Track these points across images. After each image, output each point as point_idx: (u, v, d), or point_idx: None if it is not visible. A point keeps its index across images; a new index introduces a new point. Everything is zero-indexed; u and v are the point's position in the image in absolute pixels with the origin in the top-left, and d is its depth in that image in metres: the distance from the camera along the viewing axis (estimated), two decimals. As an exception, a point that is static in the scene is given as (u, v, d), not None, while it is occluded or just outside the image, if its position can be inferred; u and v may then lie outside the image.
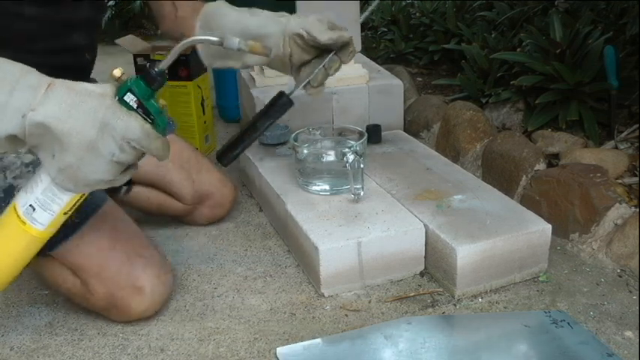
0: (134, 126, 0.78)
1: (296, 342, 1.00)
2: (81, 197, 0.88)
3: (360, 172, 1.20)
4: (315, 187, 1.28)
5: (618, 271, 1.16)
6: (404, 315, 1.07)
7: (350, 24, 1.94)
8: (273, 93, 1.62)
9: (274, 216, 1.35)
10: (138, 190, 1.33)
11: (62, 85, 0.79)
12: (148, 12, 3.67)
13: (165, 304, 1.10)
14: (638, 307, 1.06)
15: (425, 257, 1.17)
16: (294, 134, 1.31)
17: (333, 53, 1.05)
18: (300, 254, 1.20)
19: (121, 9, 3.70)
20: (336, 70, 1.06)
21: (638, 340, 0.98)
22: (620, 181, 1.30)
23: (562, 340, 0.97)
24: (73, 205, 0.88)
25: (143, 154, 0.82)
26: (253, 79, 1.70)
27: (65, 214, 0.88)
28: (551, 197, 1.28)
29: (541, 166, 1.37)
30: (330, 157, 1.27)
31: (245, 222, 1.42)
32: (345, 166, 1.20)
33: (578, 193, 1.22)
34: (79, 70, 1.17)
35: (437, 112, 1.76)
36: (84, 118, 0.77)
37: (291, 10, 1.93)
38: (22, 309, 1.13)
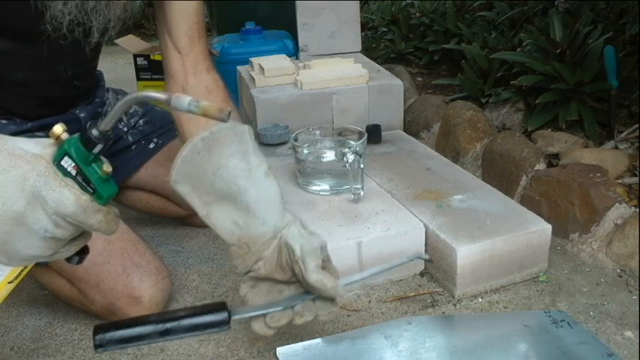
0: (68, 199, 0.66)
1: (296, 342, 1.00)
2: (26, 266, 0.75)
3: (360, 172, 1.20)
4: (315, 187, 1.28)
5: (618, 271, 1.16)
6: (404, 315, 1.07)
7: (350, 24, 1.96)
8: (274, 93, 1.64)
9: (274, 216, 1.35)
10: (139, 195, 1.33)
11: None
12: (150, 13, 3.66)
13: (165, 309, 1.10)
14: (638, 307, 1.06)
15: (425, 257, 1.17)
16: (294, 134, 1.31)
17: (311, 298, 0.83)
18: (300, 254, 1.20)
19: (121, 9, 3.70)
20: (304, 320, 0.84)
21: (638, 340, 0.98)
22: (620, 181, 1.30)
23: (562, 340, 0.97)
24: (19, 274, 0.75)
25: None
26: (253, 79, 1.70)
27: (11, 282, 0.75)
28: (551, 197, 1.28)
29: (541, 166, 1.37)
30: (330, 157, 1.27)
31: (245, 222, 1.42)
32: (345, 166, 1.20)
33: (578, 193, 1.22)
34: (66, 99, 1.13)
35: (437, 112, 1.76)
36: (11, 186, 0.65)
37: (291, 9, 1.94)
38: (22, 309, 1.13)
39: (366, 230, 1.13)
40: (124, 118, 1.28)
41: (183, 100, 0.65)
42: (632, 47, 1.64)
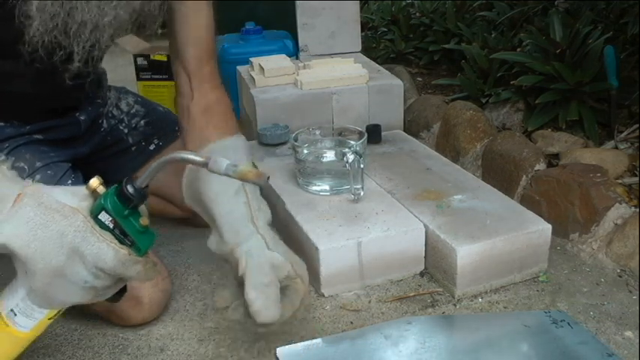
0: (106, 254, 0.68)
1: (296, 342, 1.00)
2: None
3: (360, 172, 1.20)
4: (315, 187, 1.28)
5: (618, 271, 1.16)
6: (404, 315, 1.07)
7: (350, 24, 1.96)
8: (274, 93, 1.64)
9: (274, 216, 1.35)
10: None
11: (32, 197, 0.69)
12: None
13: (165, 309, 1.10)
14: (638, 307, 1.06)
15: (425, 257, 1.17)
16: (294, 134, 1.31)
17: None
18: (300, 254, 1.20)
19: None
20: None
21: (638, 340, 0.98)
22: (620, 181, 1.30)
23: (562, 340, 0.97)
24: (58, 312, 0.78)
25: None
26: (253, 79, 1.70)
27: (50, 319, 0.78)
28: (551, 197, 1.28)
29: (541, 166, 1.37)
30: (330, 157, 1.27)
31: (245, 222, 1.42)
32: (345, 166, 1.20)
33: (578, 193, 1.22)
34: (68, 107, 1.13)
35: (437, 112, 1.76)
36: (50, 241, 0.67)
37: (291, 9, 1.94)
38: (22, 309, 1.13)
39: (366, 230, 1.13)
40: (126, 119, 1.28)
41: (221, 163, 0.69)
42: (632, 47, 1.64)
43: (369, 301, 1.11)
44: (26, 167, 1.02)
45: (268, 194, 1.36)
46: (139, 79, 2.05)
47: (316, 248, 1.09)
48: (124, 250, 0.70)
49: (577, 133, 1.52)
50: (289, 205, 1.24)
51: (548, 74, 1.58)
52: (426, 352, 0.96)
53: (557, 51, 1.61)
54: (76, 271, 0.69)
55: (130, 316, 1.03)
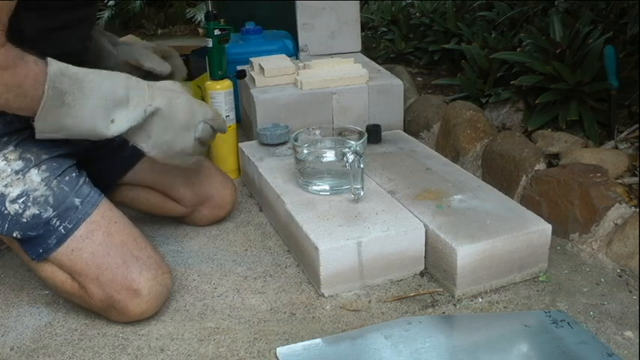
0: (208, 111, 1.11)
1: (296, 342, 1.00)
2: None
3: (360, 172, 1.20)
4: (315, 187, 1.28)
5: (618, 271, 1.16)
6: (404, 315, 1.07)
7: (350, 24, 1.96)
8: (274, 93, 1.64)
9: (274, 216, 1.35)
10: (137, 193, 1.33)
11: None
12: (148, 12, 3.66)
13: (165, 305, 1.10)
14: (638, 307, 1.06)
15: (425, 257, 1.17)
16: (294, 134, 1.31)
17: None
18: (300, 254, 1.20)
19: (121, 9, 3.70)
20: None
21: (638, 340, 0.98)
22: (620, 181, 1.30)
23: (562, 340, 0.97)
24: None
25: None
26: (253, 79, 1.70)
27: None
28: (551, 197, 1.28)
29: (541, 166, 1.37)
30: (330, 157, 1.27)
31: (245, 222, 1.42)
32: (345, 166, 1.20)
33: (578, 193, 1.22)
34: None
35: (437, 112, 1.76)
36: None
37: (291, 9, 1.94)
38: (22, 309, 1.13)
39: (366, 230, 1.13)
40: None
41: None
42: (632, 47, 1.64)
43: (369, 301, 1.11)
44: (33, 158, 1.05)
45: (268, 194, 1.36)
46: (139, 79, 2.05)
47: (316, 248, 1.09)
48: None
49: (577, 133, 1.52)
50: (289, 205, 1.24)
51: (548, 74, 1.58)
52: (426, 352, 0.96)
53: (557, 51, 1.61)
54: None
55: (129, 309, 1.03)
